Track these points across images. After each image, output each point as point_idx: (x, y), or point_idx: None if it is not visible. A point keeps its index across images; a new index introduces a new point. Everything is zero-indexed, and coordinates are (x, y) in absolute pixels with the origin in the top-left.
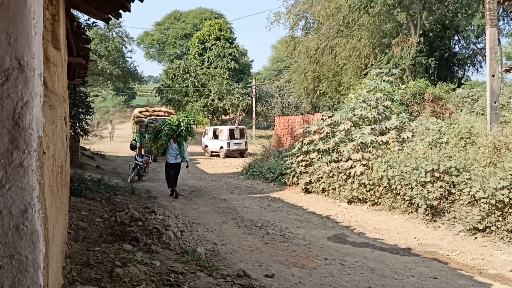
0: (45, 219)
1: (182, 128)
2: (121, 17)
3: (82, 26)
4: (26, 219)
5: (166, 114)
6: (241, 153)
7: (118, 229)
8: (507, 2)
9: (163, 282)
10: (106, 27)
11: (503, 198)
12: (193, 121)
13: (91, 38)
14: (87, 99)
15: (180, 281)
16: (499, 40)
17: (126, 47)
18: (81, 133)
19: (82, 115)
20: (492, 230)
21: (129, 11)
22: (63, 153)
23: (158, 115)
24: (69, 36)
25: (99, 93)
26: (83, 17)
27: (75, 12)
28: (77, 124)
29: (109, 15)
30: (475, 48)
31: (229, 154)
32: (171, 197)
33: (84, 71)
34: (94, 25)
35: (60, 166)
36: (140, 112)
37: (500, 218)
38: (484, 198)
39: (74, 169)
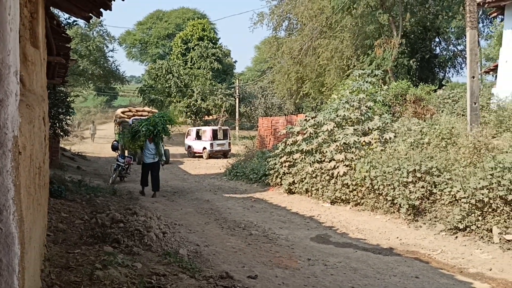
0: (21, 221)
1: (159, 128)
2: (102, 16)
3: (62, 24)
4: (0, 221)
5: (150, 114)
6: (224, 154)
7: (98, 231)
8: (486, 4)
9: (144, 284)
10: (86, 26)
11: (483, 198)
12: (169, 121)
13: (72, 37)
14: (67, 99)
15: (162, 283)
16: (478, 42)
17: (107, 47)
18: (61, 133)
19: (62, 115)
20: (472, 230)
21: (110, 9)
22: (41, 154)
23: (142, 115)
24: (48, 35)
25: (80, 93)
26: (63, 16)
27: (55, 11)
28: (57, 124)
29: (90, 14)
30: (456, 49)
31: (212, 155)
32: (141, 194)
33: (64, 70)
34: (74, 23)
35: (38, 167)
36: (122, 112)
37: (480, 218)
38: (464, 198)
39: (54, 170)
